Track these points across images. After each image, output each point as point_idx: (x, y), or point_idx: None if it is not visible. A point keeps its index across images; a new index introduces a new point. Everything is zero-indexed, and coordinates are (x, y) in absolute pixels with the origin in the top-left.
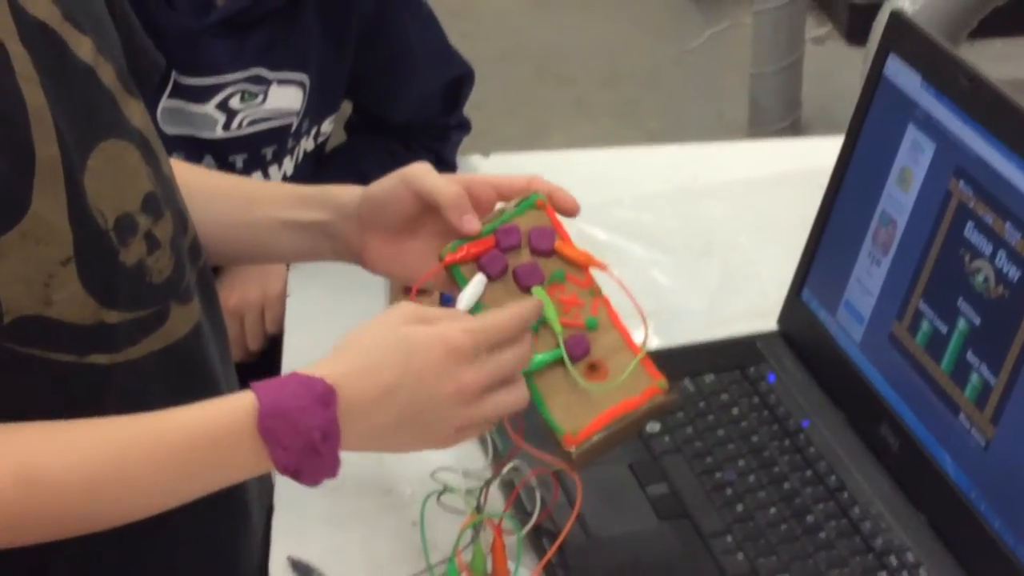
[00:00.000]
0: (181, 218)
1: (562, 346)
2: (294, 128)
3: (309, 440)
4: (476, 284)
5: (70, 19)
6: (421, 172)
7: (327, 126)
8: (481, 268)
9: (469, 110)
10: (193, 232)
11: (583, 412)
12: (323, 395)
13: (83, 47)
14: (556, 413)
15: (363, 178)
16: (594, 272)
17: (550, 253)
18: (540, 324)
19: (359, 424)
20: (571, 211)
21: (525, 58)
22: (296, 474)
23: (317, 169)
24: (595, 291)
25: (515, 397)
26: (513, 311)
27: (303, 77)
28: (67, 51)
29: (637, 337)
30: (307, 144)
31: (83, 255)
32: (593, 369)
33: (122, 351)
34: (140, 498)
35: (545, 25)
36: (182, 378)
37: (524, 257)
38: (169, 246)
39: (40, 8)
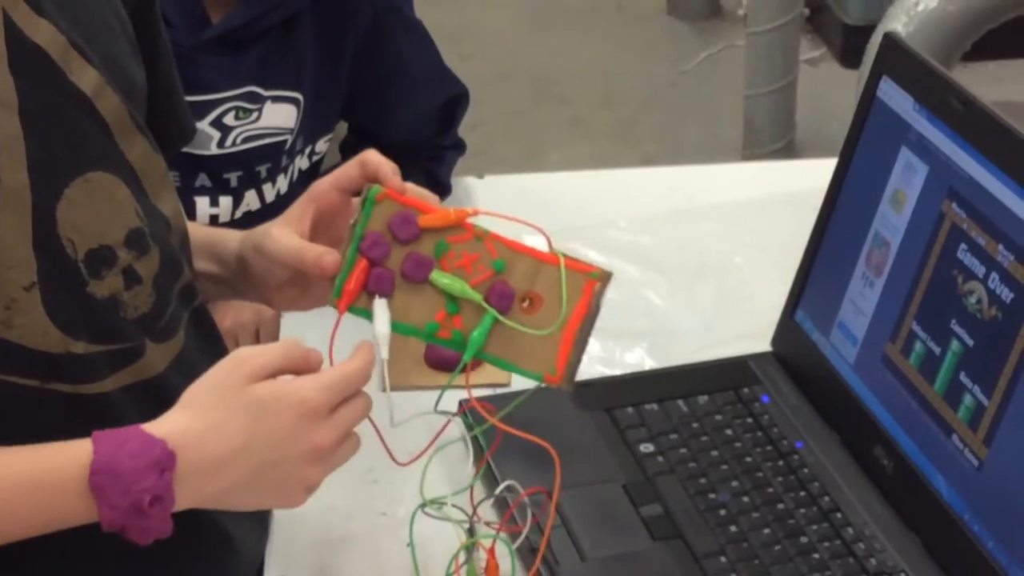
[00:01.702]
0: (172, 258)
1: (488, 308)
2: (288, 146)
3: (137, 502)
4: (380, 311)
5: (77, 48)
6: (271, 244)
7: (322, 145)
8: (373, 293)
9: (466, 130)
10: (188, 276)
11: (547, 347)
12: (161, 459)
13: (86, 77)
14: (525, 364)
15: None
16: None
17: (420, 233)
18: (456, 301)
19: (205, 484)
20: (400, 188)
21: (522, 79)
22: (123, 531)
23: None
24: (481, 236)
25: (354, 444)
26: (360, 360)
27: (297, 95)
28: (63, 80)
29: (537, 244)
30: (301, 163)
31: (48, 283)
32: (530, 301)
33: (91, 382)
34: None
35: (542, 47)
36: (159, 412)
37: (402, 253)
38: (152, 283)
39: (42, 35)
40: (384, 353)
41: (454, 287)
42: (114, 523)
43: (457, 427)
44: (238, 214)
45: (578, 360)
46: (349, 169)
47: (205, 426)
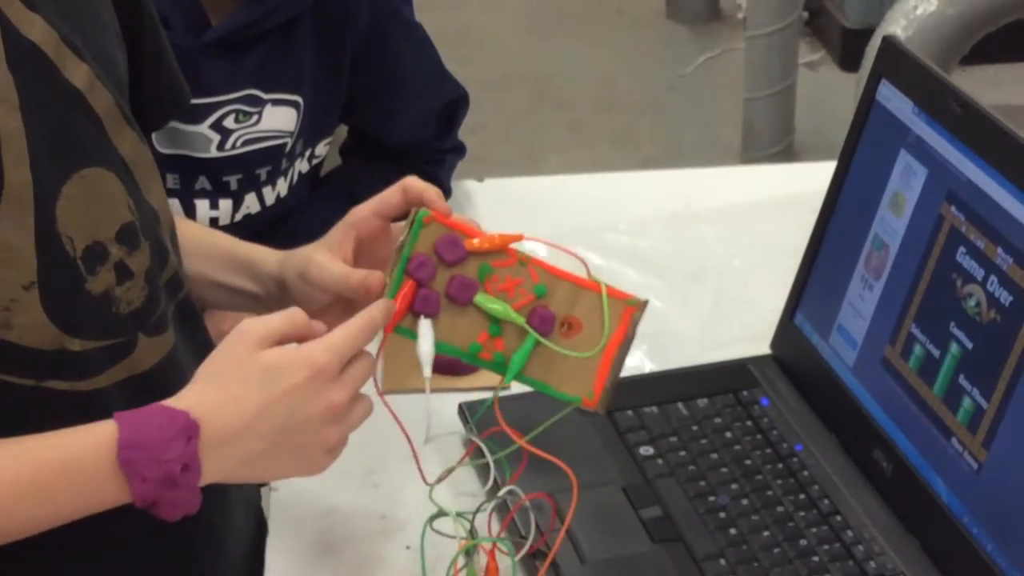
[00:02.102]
0: (160, 251)
1: (530, 331)
2: (288, 148)
3: (168, 472)
4: (425, 331)
5: (68, 43)
6: (315, 271)
7: (322, 148)
8: (419, 314)
9: (465, 134)
10: (174, 266)
11: (585, 371)
12: (186, 428)
13: (77, 72)
14: (563, 387)
15: (356, 203)
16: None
17: (466, 256)
18: (498, 324)
19: (228, 454)
20: (446, 211)
21: (522, 83)
22: (153, 506)
23: (312, 193)
24: (524, 261)
25: (366, 407)
26: (365, 319)
27: (297, 98)
28: (57, 75)
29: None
30: (302, 166)
31: (47, 281)
32: (568, 326)
33: (85, 379)
34: (9, 522)
35: (542, 51)
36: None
37: (447, 275)
38: (144, 278)
39: (35, 31)
40: (427, 372)
41: (498, 310)
42: (146, 497)
43: (457, 433)
44: (238, 217)
45: (614, 385)
46: (391, 195)
47: (222, 397)
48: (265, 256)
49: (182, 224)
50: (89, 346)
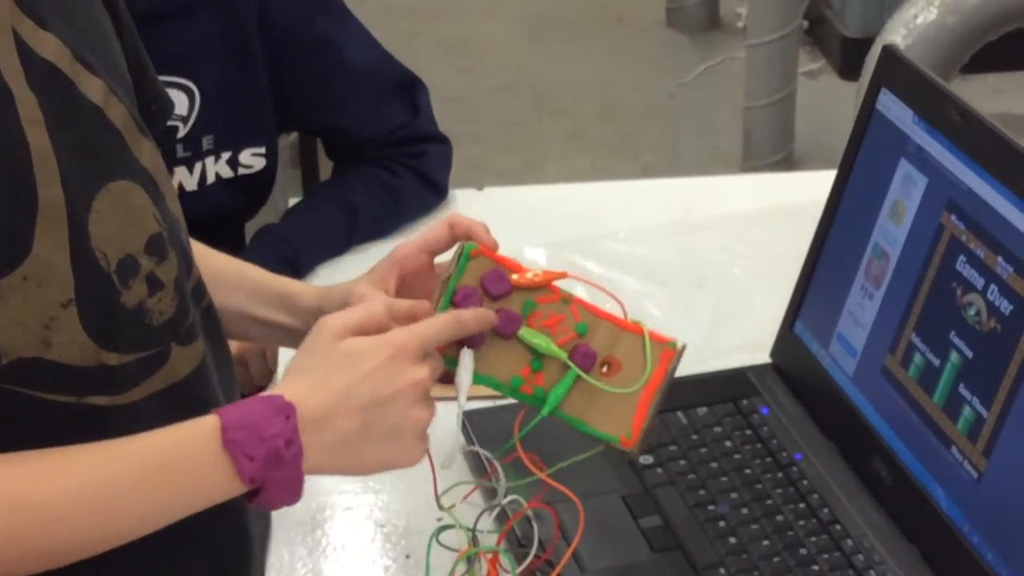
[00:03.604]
0: (185, 259)
1: (572, 366)
2: (183, 134)
3: (273, 447)
4: (466, 361)
5: (81, 60)
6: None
7: (249, 158)
8: (463, 344)
9: (466, 143)
10: (197, 274)
11: (623, 410)
12: (283, 408)
13: (93, 88)
14: (601, 426)
15: (354, 213)
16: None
17: (511, 291)
18: (540, 359)
19: (321, 436)
20: (493, 245)
21: (522, 92)
22: (262, 488)
23: (302, 202)
24: (567, 299)
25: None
26: (453, 315)
27: (188, 83)
28: (75, 92)
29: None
30: (220, 168)
31: (84, 297)
32: (608, 366)
33: (123, 393)
34: (119, 522)
35: (542, 59)
36: (186, 417)
37: (492, 308)
38: (173, 287)
39: (49, 50)
40: (462, 401)
41: (541, 344)
42: (255, 476)
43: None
44: None
45: (652, 427)
46: (436, 231)
47: (307, 384)
48: (303, 290)
49: (201, 251)
50: (126, 359)
